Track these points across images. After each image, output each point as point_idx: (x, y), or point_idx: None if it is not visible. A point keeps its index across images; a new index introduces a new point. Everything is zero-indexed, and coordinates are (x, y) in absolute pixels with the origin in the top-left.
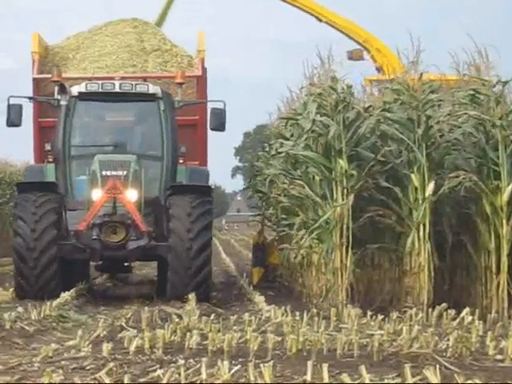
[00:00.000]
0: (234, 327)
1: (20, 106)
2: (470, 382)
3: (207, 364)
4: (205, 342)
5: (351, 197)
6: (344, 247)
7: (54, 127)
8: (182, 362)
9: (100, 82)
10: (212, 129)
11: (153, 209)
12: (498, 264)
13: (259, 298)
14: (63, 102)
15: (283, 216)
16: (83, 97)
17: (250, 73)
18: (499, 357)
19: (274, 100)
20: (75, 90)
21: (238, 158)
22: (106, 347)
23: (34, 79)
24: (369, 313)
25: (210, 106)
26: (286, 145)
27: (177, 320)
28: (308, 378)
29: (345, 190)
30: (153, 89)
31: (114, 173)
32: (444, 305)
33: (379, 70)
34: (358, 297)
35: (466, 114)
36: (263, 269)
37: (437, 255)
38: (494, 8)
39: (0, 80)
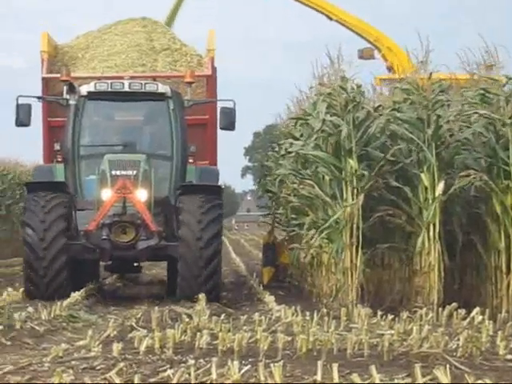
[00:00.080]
0: (244, 327)
1: (29, 106)
2: (480, 381)
3: (217, 364)
4: (215, 342)
5: (361, 196)
6: (354, 247)
7: (63, 127)
8: (192, 361)
9: (109, 81)
10: (222, 128)
11: (162, 208)
12: (508, 264)
13: (269, 298)
14: (72, 102)
15: (293, 216)
16: (92, 96)
17: (250, 73)
18: (509, 356)
19: (283, 100)
20: (84, 89)
21: (247, 157)
22: (116, 347)
23: (43, 79)
24: (379, 312)
25: (219, 105)
26: (295, 145)
27: (187, 320)
28: (318, 377)
29: (355, 190)
30: (162, 88)
31: (123, 172)
32: (454, 304)
33: (390, 69)
34: (368, 296)
35: (476, 113)
36: (273, 268)
37: (447, 255)
38: (503, 8)
39: (9, 79)
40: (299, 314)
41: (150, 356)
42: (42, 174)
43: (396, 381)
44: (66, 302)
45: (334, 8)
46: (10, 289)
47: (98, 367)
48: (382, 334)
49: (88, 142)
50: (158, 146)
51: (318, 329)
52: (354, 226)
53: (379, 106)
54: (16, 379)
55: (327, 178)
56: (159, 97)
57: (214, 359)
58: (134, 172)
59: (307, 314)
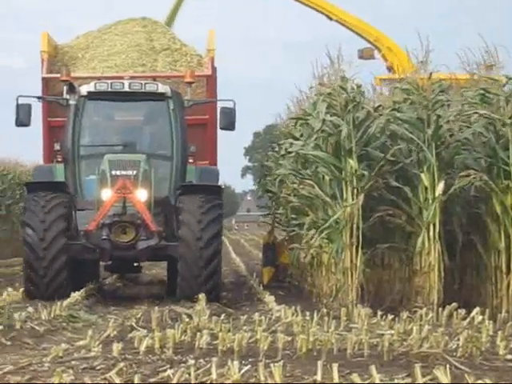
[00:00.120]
0: (244, 327)
1: (29, 106)
2: (480, 381)
3: (217, 364)
4: (215, 342)
5: (361, 196)
6: (354, 247)
7: (63, 127)
8: (192, 361)
9: (109, 81)
10: (222, 128)
11: (162, 208)
12: (508, 264)
13: (269, 298)
14: (72, 102)
15: (293, 216)
16: (92, 96)
17: (250, 73)
18: (509, 356)
19: (283, 100)
20: (84, 89)
21: (247, 157)
22: (116, 347)
23: (43, 79)
24: (379, 312)
25: (219, 105)
26: (295, 145)
27: (187, 320)
28: (318, 377)
29: (355, 190)
30: (162, 88)
31: (123, 172)
32: (454, 304)
33: (390, 69)
34: (368, 296)
35: (476, 113)
36: (273, 268)
37: (447, 255)
38: (503, 8)
39: (9, 79)
40: (299, 313)
41: (150, 356)
42: (42, 174)
43: (396, 381)
44: (66, 302)
45: (334, 8)
46: (10, 289)
47: (98, 367)
48: (382, 334)
49: (88, 141)
50: (158, 145)
51: (318, 329)
52: (354, 226)
53: (379, 105)
54: (16, 379)
55: (327, 177)
56: (159, 97)
57: (214, 359)
58: (134, 172)
59: (307, 313)
